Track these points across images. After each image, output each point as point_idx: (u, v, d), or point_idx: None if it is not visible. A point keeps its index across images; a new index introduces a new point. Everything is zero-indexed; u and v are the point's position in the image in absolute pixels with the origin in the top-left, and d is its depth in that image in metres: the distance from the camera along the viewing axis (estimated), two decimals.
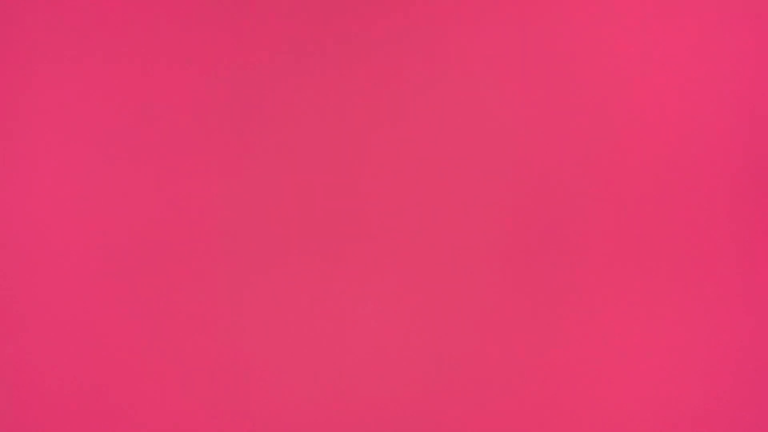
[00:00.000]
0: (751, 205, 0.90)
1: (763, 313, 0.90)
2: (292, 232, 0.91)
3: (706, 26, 0.91)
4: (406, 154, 0.91)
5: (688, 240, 0.90)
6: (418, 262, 0.90)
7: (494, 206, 0.91)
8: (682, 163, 0.91)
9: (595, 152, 0.91)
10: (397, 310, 0.90)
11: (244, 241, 0.91)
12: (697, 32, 0.91)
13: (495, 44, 0.91)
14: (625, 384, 0.90)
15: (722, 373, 0.90)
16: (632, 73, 0.91)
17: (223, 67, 0.92)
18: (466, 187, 0.91)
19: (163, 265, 0.91)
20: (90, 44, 0.92)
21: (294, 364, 0.90)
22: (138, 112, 0.92)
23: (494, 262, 0.90)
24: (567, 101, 0.91)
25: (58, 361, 0.91)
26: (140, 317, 0.91)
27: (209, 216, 0.91)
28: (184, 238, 0.91)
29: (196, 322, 0.91)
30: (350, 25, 0.92)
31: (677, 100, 0.91)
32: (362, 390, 0.90)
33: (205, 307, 0.91)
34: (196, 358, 0.91)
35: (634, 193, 0.91)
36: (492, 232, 0.90)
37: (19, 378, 0.91)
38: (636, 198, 0.91)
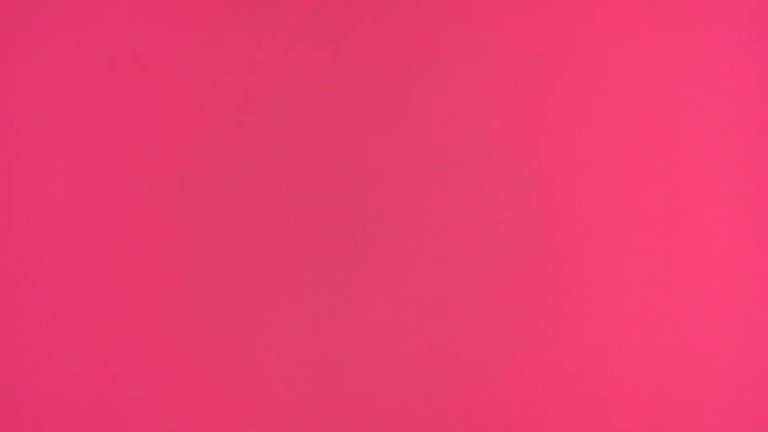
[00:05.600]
0: (751, 208, 0.90)
1: (763, 315, 0.90)
2: (294, 233, 0.91)
3: (700, 31, 0.91)
4: (408, 155, 0.91)
5: (687, 240, 0.90)
6: (419, 263, 0.91)
7: (494, 207, 0.91)
8: (682, 163, 0.91)
9: (595, 152, 0.91)
10: (398, 310, 0.90)
11: (245, 242, 0.91)
12: (691, 40, 0.91)
13: (494, 45, 0.91)
14: (624, 384, 0.90)
15: (722, 374, 0.90)
16: (632, 72, 0.91)
17: (227, 68, 0.92)
18: (466, 187, 0.91)
19: (165, 265, 0.91)
20: (93, 45, 0.92)
21: (296, 365, 0.91)
22: (140, 113, 0.92)
23: (494, 262, 0.90)
24: (566, 102, 0.91)
25: (60, 361, 0.91)
26: (142, 318, 0.91)
27: (211, 216, 0.92)
28: (186, 238, 0.91)
29: (197, 323, 0.91)
30: (353, 27, 0.92)
31: (677, 98, 0.91)
32: (362, 390, 0.90)
33: (207, 309, 0.91)
34: (199, 359, 0.91)
35: (635, 193, 0.91)
36: (491, 233, 0.90)
37: (20, 378, 0.91)
38: (636, 197, 0.91)
